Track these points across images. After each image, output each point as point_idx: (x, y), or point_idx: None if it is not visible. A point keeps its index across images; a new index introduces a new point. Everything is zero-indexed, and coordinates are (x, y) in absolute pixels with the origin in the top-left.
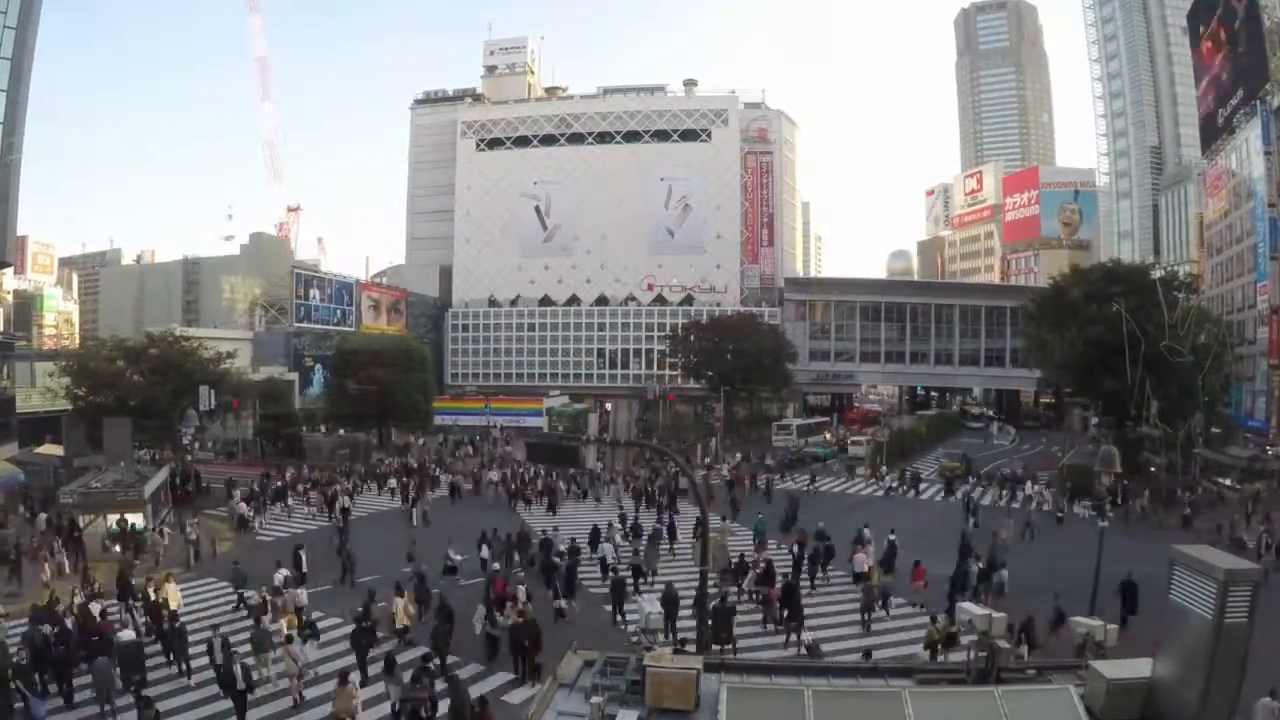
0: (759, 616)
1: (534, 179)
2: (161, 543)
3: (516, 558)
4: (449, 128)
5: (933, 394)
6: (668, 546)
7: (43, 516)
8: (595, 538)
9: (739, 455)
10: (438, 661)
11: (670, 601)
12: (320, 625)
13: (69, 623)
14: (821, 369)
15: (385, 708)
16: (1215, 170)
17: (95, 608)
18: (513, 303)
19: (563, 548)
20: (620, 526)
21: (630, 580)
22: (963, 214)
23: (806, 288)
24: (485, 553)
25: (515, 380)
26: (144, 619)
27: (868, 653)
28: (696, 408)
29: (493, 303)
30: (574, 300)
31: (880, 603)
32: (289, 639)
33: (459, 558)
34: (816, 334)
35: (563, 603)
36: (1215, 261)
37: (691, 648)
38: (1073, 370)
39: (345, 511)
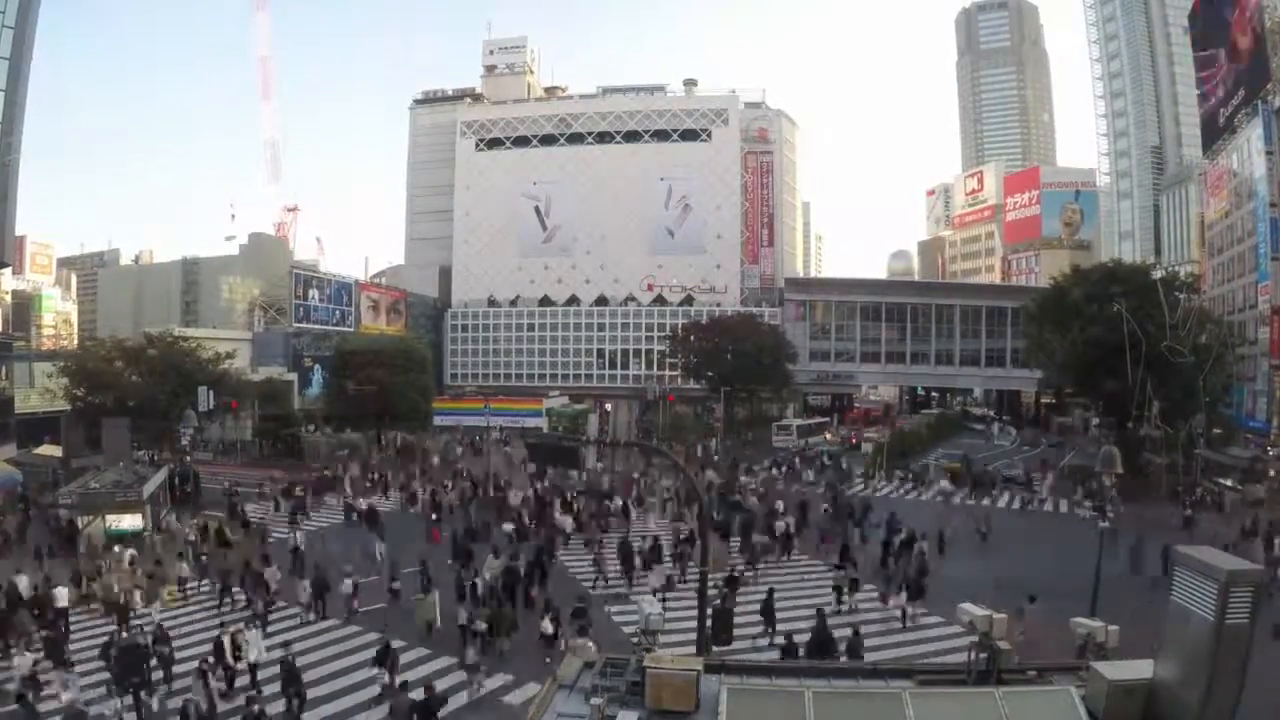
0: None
1: (533, 179)
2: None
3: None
4: (448, 128)
5: (933, 394)
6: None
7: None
8: None
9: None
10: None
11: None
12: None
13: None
14: (822, 369)
15: (385, 708)
16: (1216, 170)
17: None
18: (512, 303)
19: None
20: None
21: None
22: (963, 214)
23: (807, 288)
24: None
25: (515, 381)
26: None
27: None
28: (696, 408)
29: (492, 303)
30: (574, 300)
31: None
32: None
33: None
34: (817, 334)
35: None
36: (1216, 262)
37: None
38: (1074, 371)
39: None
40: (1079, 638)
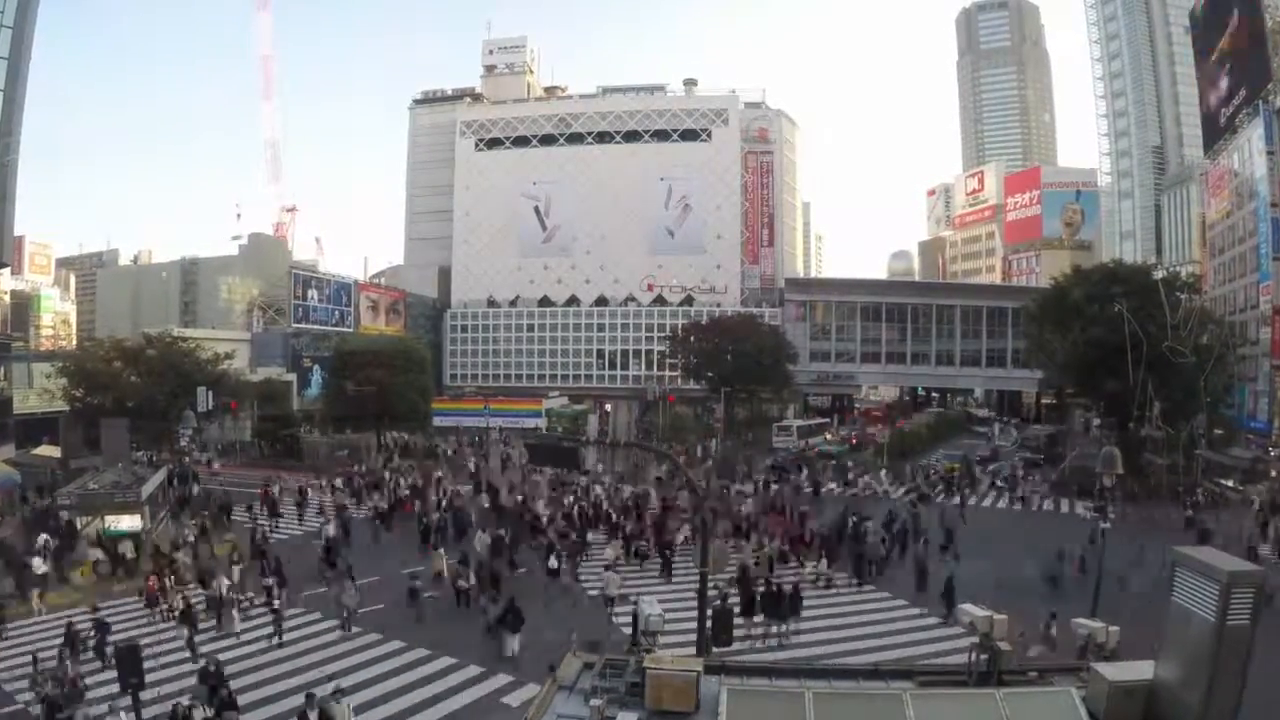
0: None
1: (533, 179)
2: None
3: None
4: (448, 128)
5: (934, 395)
6: None
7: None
8: None
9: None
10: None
11: None
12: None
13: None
14: (822, 370)
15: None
16: (1217, 170)
17: None
18: (512, 303)
19: None
20: None
21: None
22: (964, 214)
23: (807, 288)
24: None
25: (514, 381)
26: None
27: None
28: (696, 409)
29: (492, 303)
30: (573, 301)
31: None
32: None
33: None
34: (817, 335)
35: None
36: (1218, 262)
37: None
38: (1074, 371)
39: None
40: (1079, 639)
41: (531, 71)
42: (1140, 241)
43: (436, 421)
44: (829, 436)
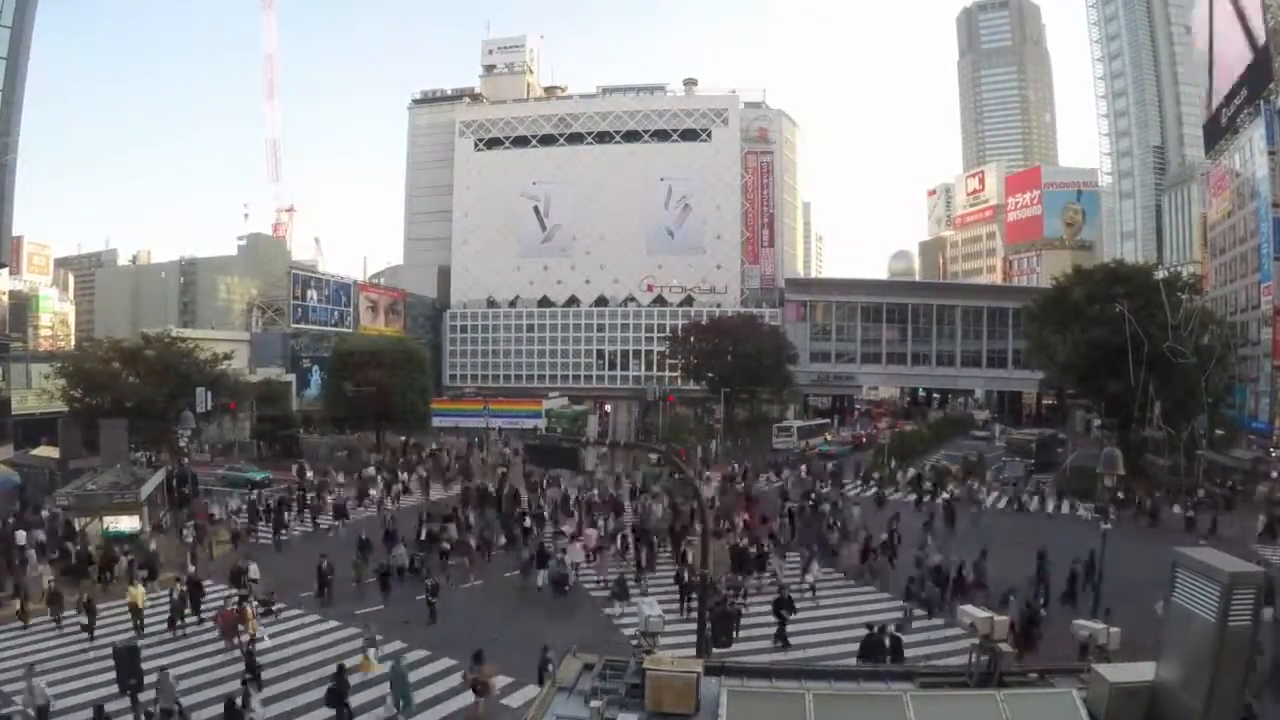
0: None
1: (533, 179)
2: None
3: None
4: (447, 128)
5: (934, 395)
6: None
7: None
8: None
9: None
10: None
11: None
12: None
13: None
14: (822, 370)
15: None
16: (1219, 170)
17: None
18: (511, 304)
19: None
20: None
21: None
22: (964, 214)
23: (807, 288)
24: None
25: (514, 381)
26: None
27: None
28: (697, 409)
29: (491, 303)
30: (573, 301)
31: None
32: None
33: None
34: (817, 335)
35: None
36: (1219, 262)
37: None
38: (1075, 371)
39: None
40: (1080, 639)
41: (531, 71)
42: (1141, 242)
43: (436, 422)
44: (829, 437)
